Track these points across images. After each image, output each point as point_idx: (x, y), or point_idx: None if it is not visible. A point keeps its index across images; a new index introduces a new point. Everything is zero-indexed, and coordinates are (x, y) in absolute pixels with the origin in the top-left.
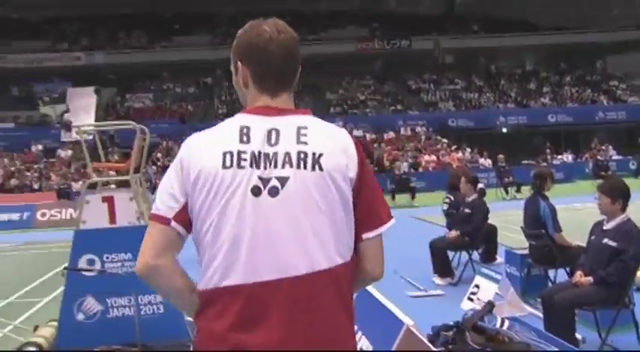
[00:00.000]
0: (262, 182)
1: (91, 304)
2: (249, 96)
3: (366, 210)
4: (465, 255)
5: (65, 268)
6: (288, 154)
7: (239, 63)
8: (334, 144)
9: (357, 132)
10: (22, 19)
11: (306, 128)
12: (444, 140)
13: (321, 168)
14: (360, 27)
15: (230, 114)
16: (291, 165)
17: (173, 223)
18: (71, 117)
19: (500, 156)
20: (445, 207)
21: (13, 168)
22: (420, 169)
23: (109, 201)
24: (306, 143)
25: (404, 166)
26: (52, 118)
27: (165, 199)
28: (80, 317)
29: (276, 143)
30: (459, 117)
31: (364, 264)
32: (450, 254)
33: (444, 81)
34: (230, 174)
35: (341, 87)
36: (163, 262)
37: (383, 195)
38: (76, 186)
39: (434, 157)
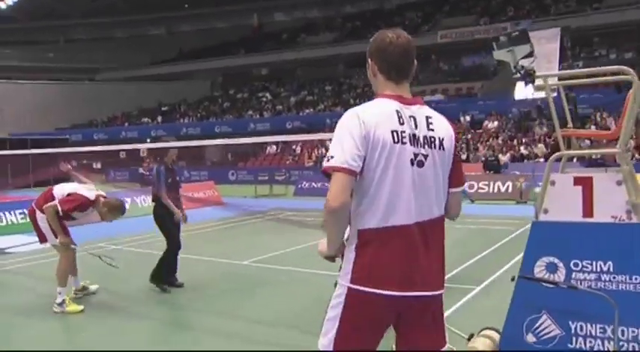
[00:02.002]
0: (414, 156)
1: (547, 325)
2: (378, 84)
3: (454, 174)
4: None
5: (518, 276)
6: (426, 137)
7: (369, 60)
8: (447, 129)
9: None
10: None
11: (431, 117)
12: None
13: (443, 149)
14: None
15: None
16: (429, 146)
17: (357, 176)
18: (533, 65)
19: None
20: None
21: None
22: None
23: (586, 183)
24: (433, 130)
25: None
26: (510, 66)
27: (355, 157)
28: (530, 338)
29: (416, 127)
30: None
31: (449, 209)
32: None
33: None
34: (398, 147)
35: None
36: (350, 200)
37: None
38: (503, 158)
39: None
